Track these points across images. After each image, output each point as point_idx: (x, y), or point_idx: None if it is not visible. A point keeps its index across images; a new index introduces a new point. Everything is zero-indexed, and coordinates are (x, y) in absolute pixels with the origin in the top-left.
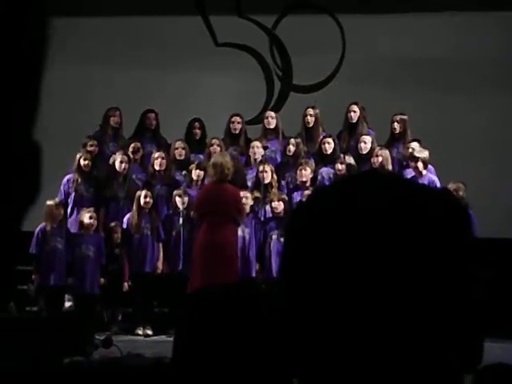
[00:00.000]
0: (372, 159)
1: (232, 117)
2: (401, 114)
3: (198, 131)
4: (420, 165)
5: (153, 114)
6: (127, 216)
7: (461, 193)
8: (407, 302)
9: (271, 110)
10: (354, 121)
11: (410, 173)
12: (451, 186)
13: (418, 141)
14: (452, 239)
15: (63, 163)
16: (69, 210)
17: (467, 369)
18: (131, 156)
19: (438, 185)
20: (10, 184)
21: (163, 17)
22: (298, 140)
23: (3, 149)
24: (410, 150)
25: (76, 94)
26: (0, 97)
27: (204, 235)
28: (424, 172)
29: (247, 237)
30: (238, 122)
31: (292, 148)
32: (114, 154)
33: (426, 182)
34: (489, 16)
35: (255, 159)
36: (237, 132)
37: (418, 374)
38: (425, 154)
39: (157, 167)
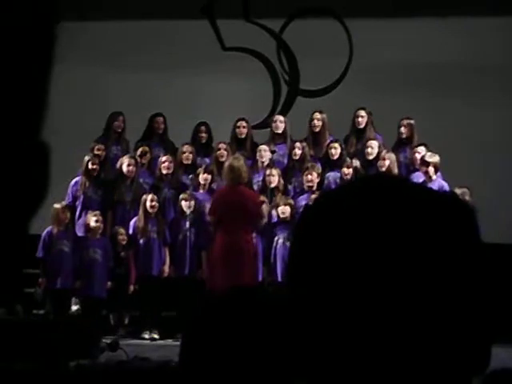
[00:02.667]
0: (378, 163)
1: (237, 121)
2: (408, 119)
3: (204, 135)
4: (431, 169)
5: (161, 118)
6: (134, 220)
7: (466, 197)
8: (416, 306)
9: (279, 114)
10: (362, 126)
11: (417, 177)
12: (456, 191)
13: (425, 145)
14: (460, 242)
15: (69, 166)
16: (77, 213)
17: (475, 373)
18: (139, 160)
19: (447, 190)
20: (18, 186)
21: (171, 21)
22: (304, 144)
23: (11, 150)
24: (419, 155)
25: (83, 97)
26: (8, 98)
27: (224, 238)
28: (434, 177)
29: (254, 241)
30: (244, 127)
31: (298, 152)
32: (118, 157)
33: (435, 186)
34: (494, 21)
35: (262, 163)
36: (243, 136)
37: (426, 376)
38: (436, 158)
39: (164, 171)
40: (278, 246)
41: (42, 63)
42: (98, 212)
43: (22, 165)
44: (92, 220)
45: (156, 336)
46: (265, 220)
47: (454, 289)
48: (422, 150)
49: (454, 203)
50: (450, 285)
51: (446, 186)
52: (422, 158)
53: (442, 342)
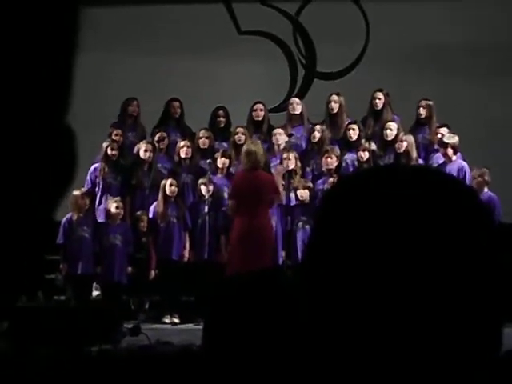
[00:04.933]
0: (396, 145)
1: (254, 104)
2: (426, 100)
3: (222, 119)
4: (450, 151)
5: (177, 103)
6: (153, 205)
7: (486, 177)
8: (430, 291)
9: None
10: (379, 108)
11: (437, 158)
12: (476, 172)
13: (447, 126)
14: (470, 229)
15: (84, 152)
16: (97, 199)
17: (488, 355)
18: (156, 145)
19: (468, 170)
20: (45, 172)
21: (187, 5)
22: (324, 127)
23: (38, 136)
24: (440, 136)
25: (96, 82)
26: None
27: (242, 221)
28: (454, 158)
29: (273, 224)
30: (261, 110)
31: (317, 134)
32: (134, 143)
33: (455, 167)
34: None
35: (278, 145)
36: (260, 119)
37: (439, 361)
38: (455, 139)
39: (182, 155)
40: (298, 229)
41: (67, 48)
42: (118, 198)
43: (49, 150)
44: (112, 206)
45: (176, 320)
46: (282, 197)
47: (466, 274)
48: (444, 130)
49: (463, 192)
50: (461, 271)
51: (466, 167)
52: (441, 139)
53: (453, 326)
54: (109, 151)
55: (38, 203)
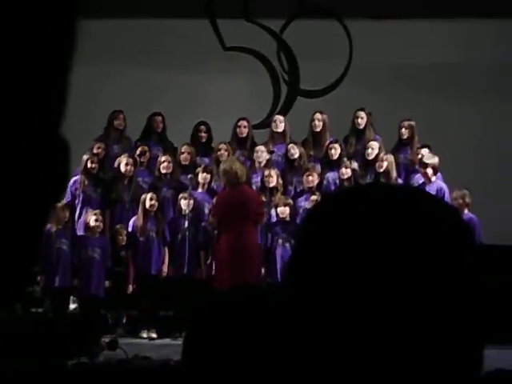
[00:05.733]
0: (377, 164)
1: (238, 121)
2: (408, 120)
3: (203, 134)
4: (429, 171)
5: (159, 117)
6: (133, 219)
7: (466, 199)
8: (409, 311)
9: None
10: (362, 127)
11: (417, 178)
12: (457, 193)
13: (428, 147)
14: (453, 248)
15: (74, 165)
16: (77, 212)
17: (469, 376)
18: (138, 159)
19: (447, 191)
20: (37, 182)
21: (171, 20)
22: (299, 145)
23: (30, 146)
24: (420, 156)
25: (82, 95)
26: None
27: (229, 239)
28: (433, 178)
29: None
30: (245, 126)
31: (293, 152)
32: (119, 156)
33: (434, 188)
34: (491, 23)
35: (259, 163)
36: (243, 136)
37: (419, 383)
38: (434, 160)
39: (163, 171)
40: (278, 246)
41: (63, 58)
42: (98, 211)
43: (42, 160)
44: (92, 219)
45: (154, 335)
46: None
47: (446, 295)
48: (424, 151)
49: (444, 210)
50: (444, 291)
51: (445, 188)
52: (421, 160)
53: (434, 347)
54: (89, 164)
55: (30, 214)
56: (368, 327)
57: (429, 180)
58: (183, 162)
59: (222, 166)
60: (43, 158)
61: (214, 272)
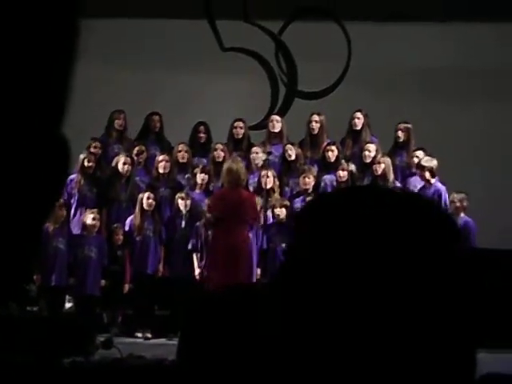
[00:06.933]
0: (374, 166)
1: (234, 122)
2: (405, 123)
3: (202, 135)
4: (427, 174)
5: (157, 117)
6: (130, 218)
7: (464, 203)
8: (400, 311)
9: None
10: (358, 128)
11: (413, 181)
12: (456, 196)
13: (423, 149)
14: (444, 252)
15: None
16: (72, 211)
17: (460, 382)
18: (135, 158)
19: (444, 194)
20: (37, 181)
21: (170, 20)
22: (296, 146)
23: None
24: (416, 160)
25: (81, 95)
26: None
27: (223, 238)
28: (432, 181)
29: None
30: (241, 127)
31: (290, 153)
32: (118, 155)
33: (432, 191)
34: (489, 26)
35: (256, 164)
36: (239, 137)
37: None
38: (432, 163)
39: (161, 170)
40: (274, 248)
41: (65, 57)
42: (95, 210)
43: (42, 159)
44: (89, 218)
45: (149, 335)
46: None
47: (439, 299)
48: (420, 154)
49: (439, 215)
50: (435, 295)
51: (444, 191)
52: (419, 163)
53: (427, 351)
54: (85, 163)
55: (29, 213)
56: (360, 327)
57: (428, 183)
58: (180, 161)
59: (226, 165)
60: (43, 156)
61: (206, 273)
